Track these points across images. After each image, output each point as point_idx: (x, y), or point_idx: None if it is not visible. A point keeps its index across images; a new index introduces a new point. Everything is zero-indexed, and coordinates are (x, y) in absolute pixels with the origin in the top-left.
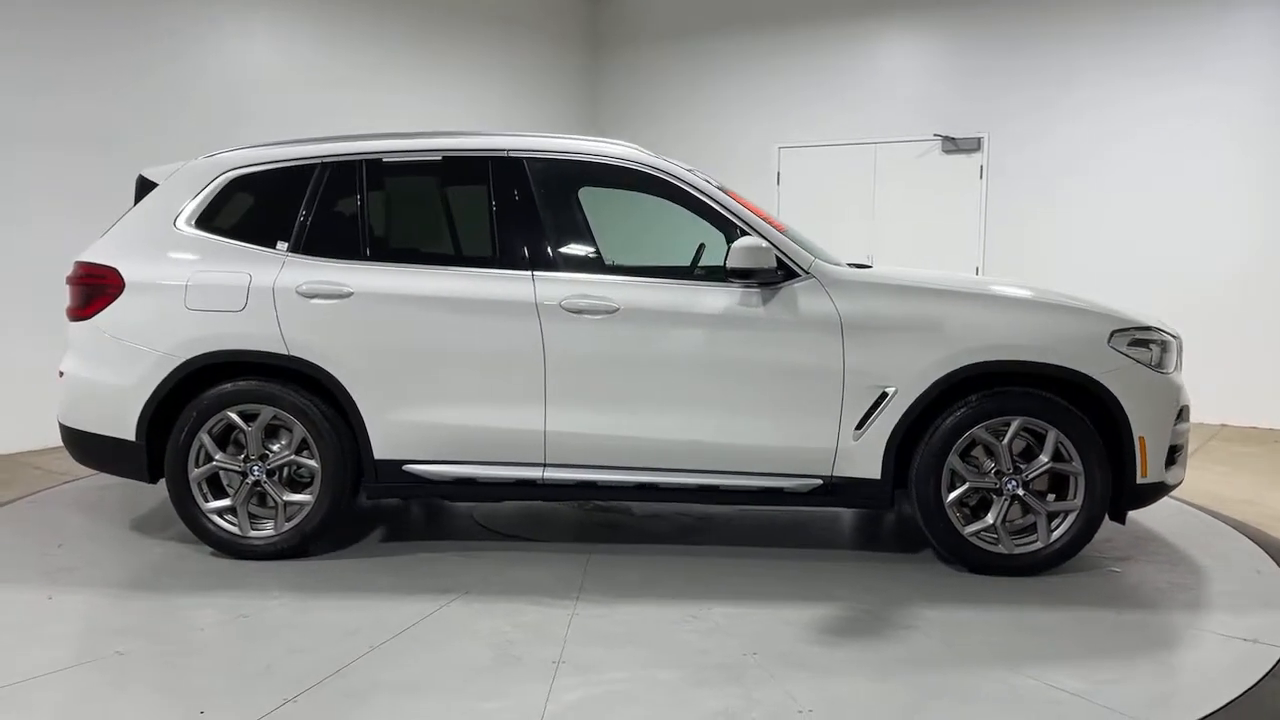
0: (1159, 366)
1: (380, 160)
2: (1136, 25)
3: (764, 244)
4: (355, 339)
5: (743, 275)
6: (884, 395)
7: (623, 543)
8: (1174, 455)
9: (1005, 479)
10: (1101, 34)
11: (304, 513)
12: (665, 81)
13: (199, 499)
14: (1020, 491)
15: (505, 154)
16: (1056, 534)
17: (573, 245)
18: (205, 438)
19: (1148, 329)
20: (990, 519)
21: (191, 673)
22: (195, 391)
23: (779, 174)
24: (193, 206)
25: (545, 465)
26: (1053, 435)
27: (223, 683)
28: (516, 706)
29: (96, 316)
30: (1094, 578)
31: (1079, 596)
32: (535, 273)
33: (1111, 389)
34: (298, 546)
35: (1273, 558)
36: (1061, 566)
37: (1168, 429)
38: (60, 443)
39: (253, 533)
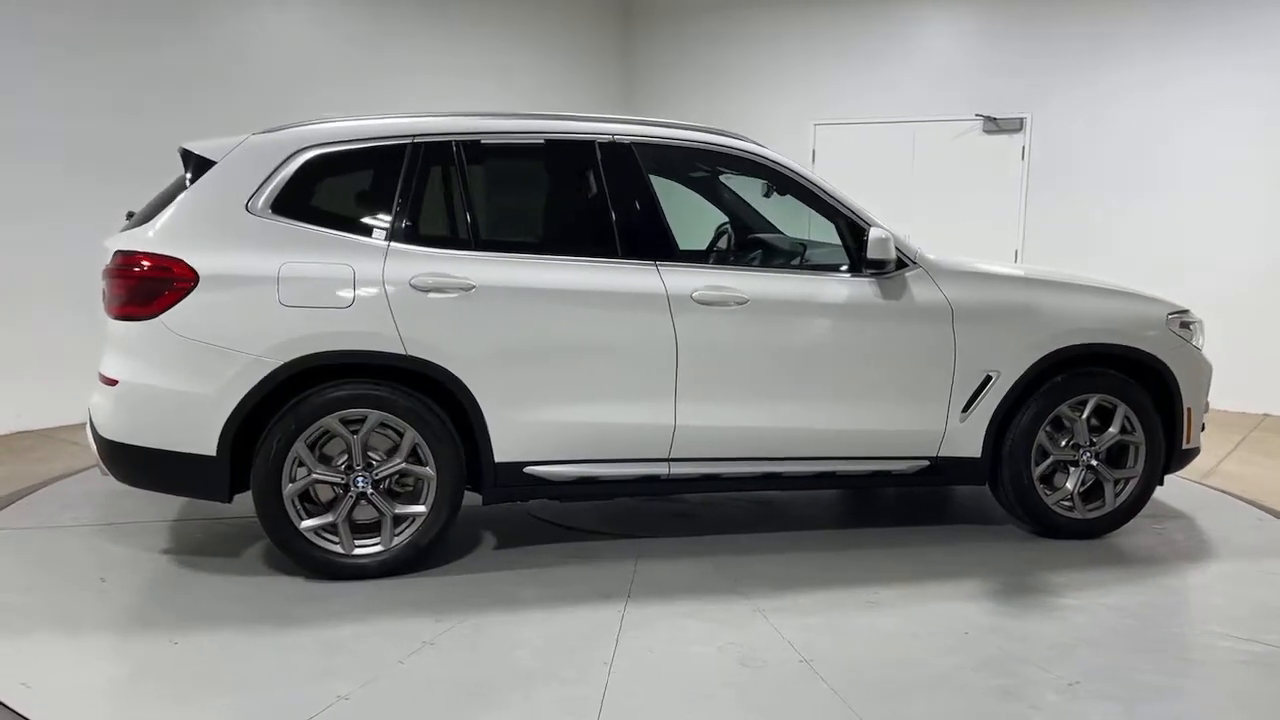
0: (1196, 345)
1: (479, 141)
2: (1188, 7)
3: (891, 236)
4: (479, 336)
5: (876, 266)
6: (988, 378)
7: (714, 534)
8: (1203, 423)
9: (1081, 451)
10: (1152, 15)
11: (418, 524)
12: (700, 55)
13: (294, 517)
14: (1094, 462)
15: (613, 139)
16: (1121, 499)
17: (690, 235)
18: (302, 448)
19: (1188, 311)
20: (1070, 487)
21: (457, 708)
22: (281, 398)
23: (814, 151)
24: (267, 188)
25: (671, 460)
26: (1121, 410)
27: (508, 715)
28: (822, 712)
29: (163, 315)
30: (1149, 537)
31: (1163, 552)
32: (659, 264)
33: (1171, 366)
34: (410, 562)
35: None
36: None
37: (1204, 400)
38: None
39: (358, 550)
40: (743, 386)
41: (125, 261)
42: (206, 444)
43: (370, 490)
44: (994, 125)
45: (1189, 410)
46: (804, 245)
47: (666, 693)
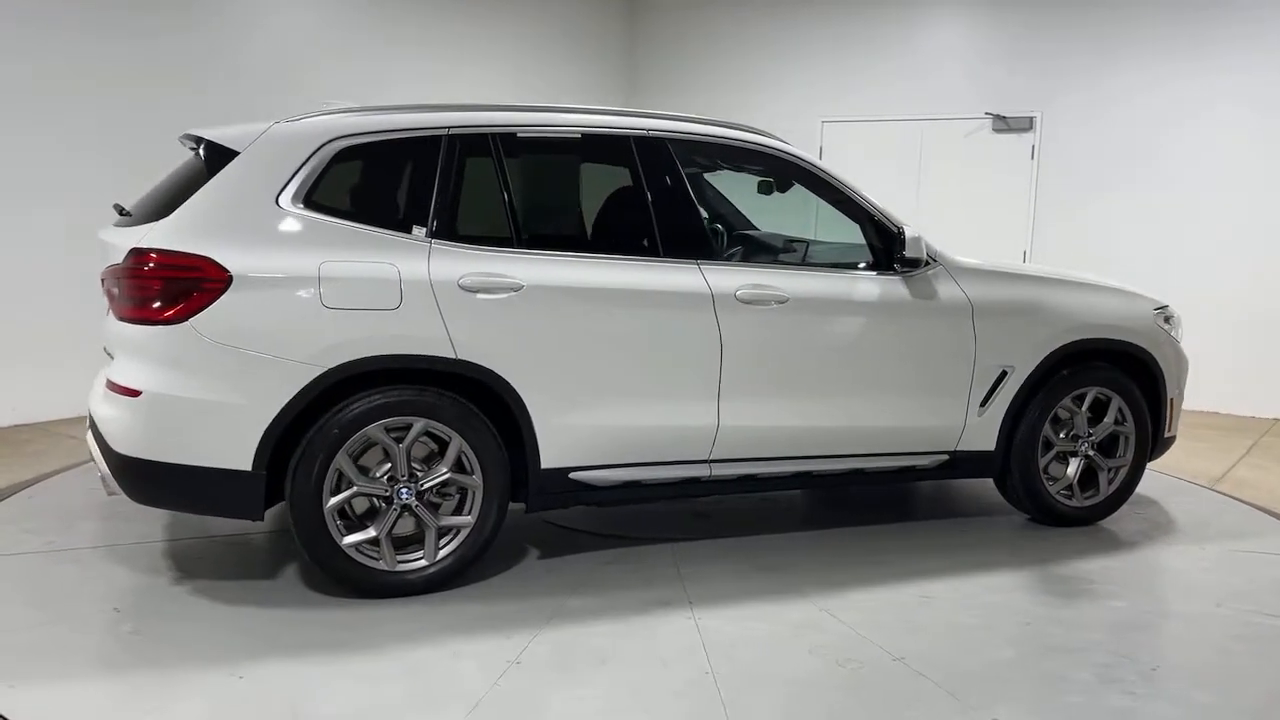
0: (1176, 337)
1: (515, 134)
2: (1199, 7)
3: (921, 235)
4: (528, 338)
5: (911, 264)
6: (1004, 374)
7: (737, 535)
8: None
9: (1080, 441)
10: (1162, 14)
11: (464, 536)
12: (706, 50)
13: (335, 533)
14: (1091, 453)
15: (648, 134)
16: (1113, 486)
17: (726, 233)
18: (344, 460)
19: (1168, 306)
20: (1070, 476)
21: None
22: (321, 407)
23: (821, 149)
24: (296, 181)
25: (712, 462)
26: (1116, 402)
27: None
28: (945, 710)
29: (193, 319)
30: (1136, 523)
31: (1156, 536)
32: (700, 263)
33: (1159, 359)
34: (454, 576)
35: None
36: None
37: (1184, 390)
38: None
39: (401, 565)
40: (782, 385)
41: (144, 260)
42: (241, 458)
43: (415, 502)
44: (1004, 124)
45: (1172, 400)
46: (805, 243)
47: (784, 699)
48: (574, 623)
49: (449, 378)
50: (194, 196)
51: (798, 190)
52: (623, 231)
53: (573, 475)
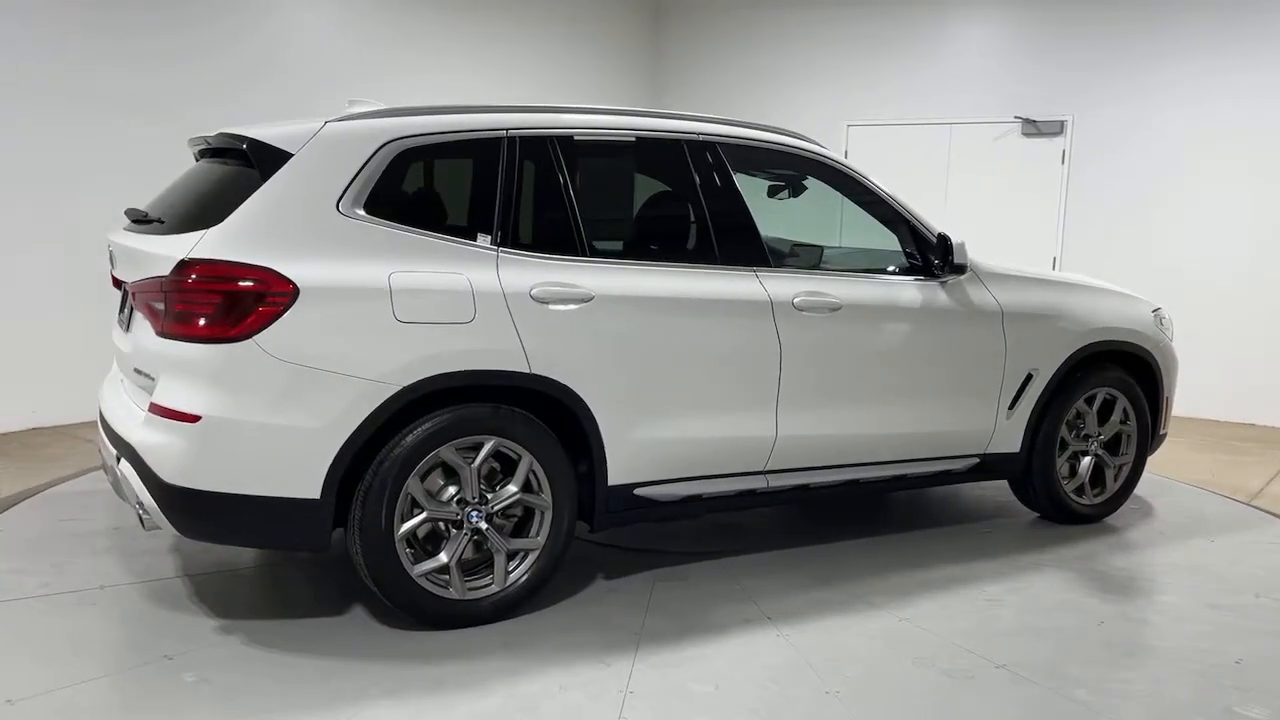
0: (1170, 338)
1: (572, 138)
2: (1234, 7)
3: (963, 242)
4: (599, 350)
5: (957, 271)
6: (1030, 376)
7: (784, 548)
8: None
9: (1090, 441)
10: (1198, 15)
11: (533, 559)
12: (730, 52)
13: (406, 562)
14: (1100, 452)
15: (699, 138)
16: (1117, 484)
17: (775, 239)
18: (415, 483)
19: (1161, 308)
20: (1082, 474)
21: None
22: (393, 428)
23: (847, 152)
24: (356, 185)
25: (768, 473)
26: (1121, 402)
27: None
28: (1076, 713)
29: (257, 336)
30: (1135, 518)
31: (1167, 533)
32: (757, 270)
33: (1158, 359)
34: (522, 601)
35: None
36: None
37: (1175, 389)
38: None
39: (471, 593)
40: (834, 393)
41: (199, 272)
42: (310, 486)
43: (486, 525)
44: (1033, 128)
45: (1168, 399)
46: (817, 248)
47: (915, 714)
48: (665, 646)
49: (518, 392)
50: (247, 202)
51: (805, 196)
52: (683, 239)
53: (637, 491)
